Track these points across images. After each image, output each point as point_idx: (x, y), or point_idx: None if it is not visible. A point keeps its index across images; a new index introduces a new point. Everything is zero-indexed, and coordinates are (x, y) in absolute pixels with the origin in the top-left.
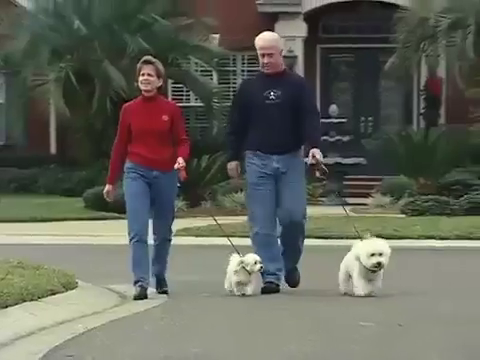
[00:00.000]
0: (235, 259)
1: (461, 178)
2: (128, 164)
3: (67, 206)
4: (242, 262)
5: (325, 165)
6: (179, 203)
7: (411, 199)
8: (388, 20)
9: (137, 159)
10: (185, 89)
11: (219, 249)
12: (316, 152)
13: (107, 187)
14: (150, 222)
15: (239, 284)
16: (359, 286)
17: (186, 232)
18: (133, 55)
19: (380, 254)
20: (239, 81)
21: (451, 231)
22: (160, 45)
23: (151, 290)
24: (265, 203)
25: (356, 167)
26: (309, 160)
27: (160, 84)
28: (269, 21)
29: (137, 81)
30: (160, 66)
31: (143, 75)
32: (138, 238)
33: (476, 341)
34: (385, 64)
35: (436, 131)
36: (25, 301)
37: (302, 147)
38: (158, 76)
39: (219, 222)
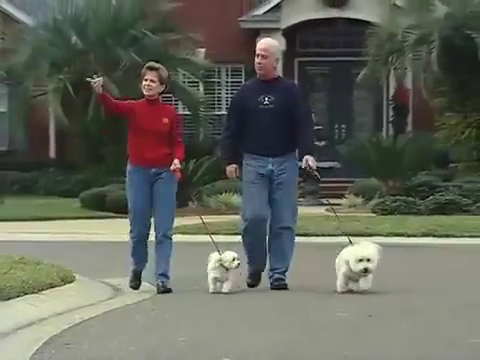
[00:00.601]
0: (214, 257)
1: (426, 180)
2: (129, 167)
3: (65, 206)
4: (220, 260)
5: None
6: None
7: (381, 200)
8: (360, 35)
9: (136, 160)
10: (174, 98)
11: (205, 246)
12: (310, 159)
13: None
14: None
15: (216, 280)
16: (340, 283)
17: (175, 230)
18: (126, 67)
19: (368, 260)
20: (223, 91)
21: (418, 229)
22: (150, 58)
23: (150, 287)
24: (259, 195)
25: (331, 170)
26: (303, 165)
27: (162, 89)
28: (251, 36)
29: (140, 85)
30: (163, 72)
31: (146, 81)
32: (138, 238)
33: (440, 330)
34: (357, 76)
35: (404, 138)
36: (26, 294)
37: (296, 150)
38: (160, 82)
39: (206, 221)
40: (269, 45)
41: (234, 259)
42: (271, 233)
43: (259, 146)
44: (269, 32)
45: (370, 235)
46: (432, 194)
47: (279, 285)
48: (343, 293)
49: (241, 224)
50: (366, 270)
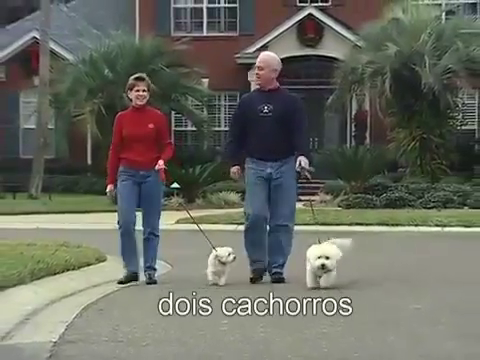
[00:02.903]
0: (213, 253)
1: (381, 182)
2: (120, 168)
3: (99, 202)
4: (217, 256)
5: (311, 172)
6: (179, 200)
7: (345, 197)
8: (329, 69)
9: (126, 163)
10: (183, 118)
11: (207, 233)
12: (302, 159)
13: (109, 187)
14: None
15: (214, 274)
16: (308, 279)
17: (184, 220)
18: None
19: (326, 257)
20: (222, 113)
21: (374, 219)
22: (165, 87)
23: (165, 265)
24: (260, 195)
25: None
26: (296, 166)
27: (148, 97)
28: (244, 69)
29: (128, 94)
30: (149, 81)
31: (138, 91)
32: (124, 230)
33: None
34: (327, 100)
35: (363, 148)
36: (69, 270)
37: (294, 155)
38: (148, 90)
39: (208, 214)
40: (267, 57)
41: (229, 254)
42: (269, 230)
43: (259, 151)
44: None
45: (337, 224)
46: (385, 192)
47: (277, 278)
48: (313, 288)
49: (244, 224)
50: (323, 266)
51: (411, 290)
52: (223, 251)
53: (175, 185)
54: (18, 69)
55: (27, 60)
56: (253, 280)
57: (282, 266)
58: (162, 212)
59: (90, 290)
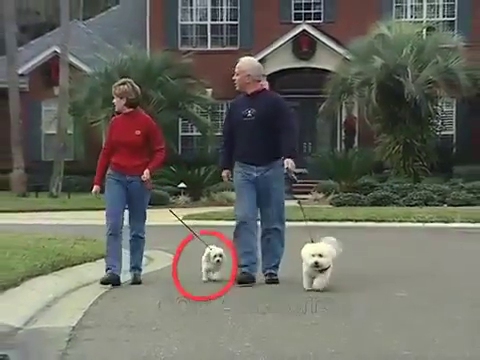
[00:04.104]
0: (206, 251)
1: (368, 181)
2: (109, 171)
3: None
4: (208, 254)
5: (297, 174)
6: (186, 198)
7: (336, 195)
8: (321, 80)
9: (114, 167)
10: (190, 124)
11: (209, 227)
12: (289, 161)
13: (94, 188)
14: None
15: (207, 271)
16: (304, 281)
17: (190, 217)
18: (155, 103)
19: (320, 255)
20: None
21: (362, 216)
22: (173, 96)
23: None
24: (248, 196)
25: (301, 174)
26: (284, 167)
27: (125, 102)
28: None
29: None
30: (122, 88)
31: (113, 98)
32: (111, 232)
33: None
34: (319, 108)
35: (352, 151)
36: (86, 262)
37: (280, 158)
38: (121, 97)
39: (212, 210)
40: (241, 63)
41: (215, 256)
42: (261, 234)
43: (244, 155)
44: None
45: (328, 220)
46: (372, 191)
47: (271, 280)
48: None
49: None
50: (316, 264)
51: (396, 279)
52: (214, 251)
53: (182, 185)
54: (40, 80)
55: (48, 72)
56: (241, 282)
57: (276, 267)
58: (164, 211)
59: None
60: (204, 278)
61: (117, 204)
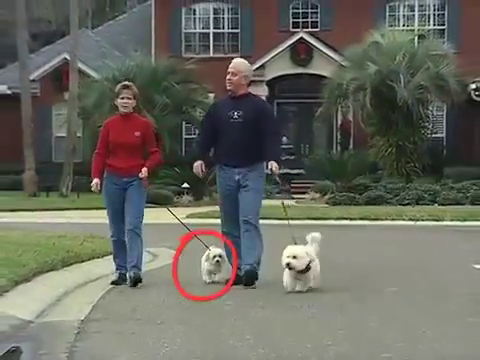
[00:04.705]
0: (206, 252)
1: (362, 182)
2: (105, 174)
3: None
4: (208, 255)
5: (280, 176)
6: (189, 197)
7: (332, 195)
8: (318, 85)
9: (111, 169)
10: (193, 127)
11: (211, 226)
12: (273, 165)
13: (94, 180)
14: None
15: (209, 272)
16: (286, 283)
17: (193, 215)
18: (160, 107)
19: (293, 257)
20: None
21: (357, 214)
22: (177, 101)
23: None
24: (230, 211)
25: (298, 175)
26: (268, 170)
27: (135, 104)
28: None
29: (115, 101)
30: (135, 90)
31: (123, 98)
32: (116, 237)
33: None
34: (316, 112)
35: (347, 153)
36: (94, 258)
37: (263, 162)
38: (135, 98)
39: (214, 209)
40: (237, 63)
41: (215, 256)
42: (240, 229)
43: (227, 158)
44: (257, 83)
45: (325, 219)
46: (366, 191)
47: (250, 275)
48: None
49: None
50: (288, 265)
51: (388, 275)
52: (214, 252)
53: (185, 185)
54: (51, 85)
55: (59, 78)
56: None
57: (254, 264)
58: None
59: (112, 275)
60: (205, 279)
61: (116, 208)
